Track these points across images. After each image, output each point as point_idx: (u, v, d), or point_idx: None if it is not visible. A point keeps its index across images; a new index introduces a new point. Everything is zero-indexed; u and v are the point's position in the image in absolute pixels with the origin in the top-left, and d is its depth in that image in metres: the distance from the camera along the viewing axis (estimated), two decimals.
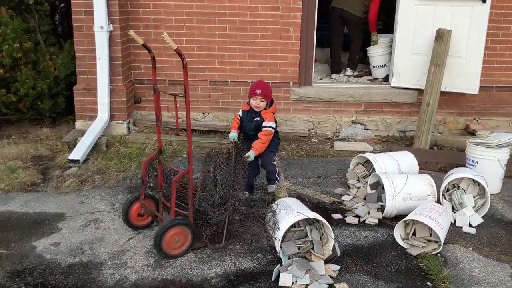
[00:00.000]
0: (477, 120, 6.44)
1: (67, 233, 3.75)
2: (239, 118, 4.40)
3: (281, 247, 3.29)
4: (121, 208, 3.78)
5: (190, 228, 3.38)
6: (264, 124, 4.24)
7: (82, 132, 5.57)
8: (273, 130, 4.27)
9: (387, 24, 7.68)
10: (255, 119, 4.28)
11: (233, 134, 4.27)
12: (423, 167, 4.97)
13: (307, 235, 3.42)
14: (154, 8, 5.95)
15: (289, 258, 3.27)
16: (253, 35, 6.06)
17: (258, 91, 4.20)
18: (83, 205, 4.24)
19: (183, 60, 3.10)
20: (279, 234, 3.30)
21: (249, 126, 4.30)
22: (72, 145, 5.33)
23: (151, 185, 3.95)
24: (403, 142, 6.23)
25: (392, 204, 3.90)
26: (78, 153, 5.06)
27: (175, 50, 3.04)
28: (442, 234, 3.49)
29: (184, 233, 3.37)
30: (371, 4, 7.17)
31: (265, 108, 4.28)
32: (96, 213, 4.09)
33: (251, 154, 4.08)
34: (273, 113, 4.34)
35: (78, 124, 5.82)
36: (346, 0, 7.09)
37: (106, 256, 3.44)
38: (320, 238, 3.42)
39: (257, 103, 4.24)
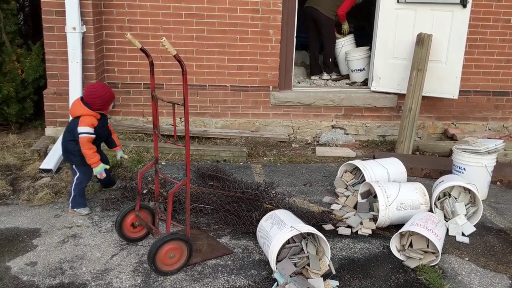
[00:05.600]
0: (455, 125, 6.47)
1: (44, 251, 3.47)
2: None
3: (276, 268, 3.12)
4: (115, 218, 3.54)
5: (187, 244, 3.18)
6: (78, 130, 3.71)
7: (53, 139, 5.26)
8: (87, 136, 3.71)
9: (365, 28, 7.64)
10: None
11: None
12: (409, 173, 4.89)
13: (303, 250, 3.27)
14: (129, 9, 5.68)
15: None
16: (232, 38, 5.88)
17: None
18: (59, 219, 3.95)
19: (183, 67, 2.89)
20: (273, 254, 3.12)
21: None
22: (43, 153, 5.02)
23: None
24: (384, 146, 6.18)
25: (386, 214, 3.80)
26: (50, 161, 4.76)
27: (174, 56, 2.83)
28: (439, 245, 3.40)
29: (181, 249, 3.17)
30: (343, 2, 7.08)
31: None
32: (74, 228, 3.81)
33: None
34: (94, 116, 3.75)
35: (49, 131, 5.49)
36: None
37: (89, 276, 3.20)
38: (316, 252, 3.28)
39: None
